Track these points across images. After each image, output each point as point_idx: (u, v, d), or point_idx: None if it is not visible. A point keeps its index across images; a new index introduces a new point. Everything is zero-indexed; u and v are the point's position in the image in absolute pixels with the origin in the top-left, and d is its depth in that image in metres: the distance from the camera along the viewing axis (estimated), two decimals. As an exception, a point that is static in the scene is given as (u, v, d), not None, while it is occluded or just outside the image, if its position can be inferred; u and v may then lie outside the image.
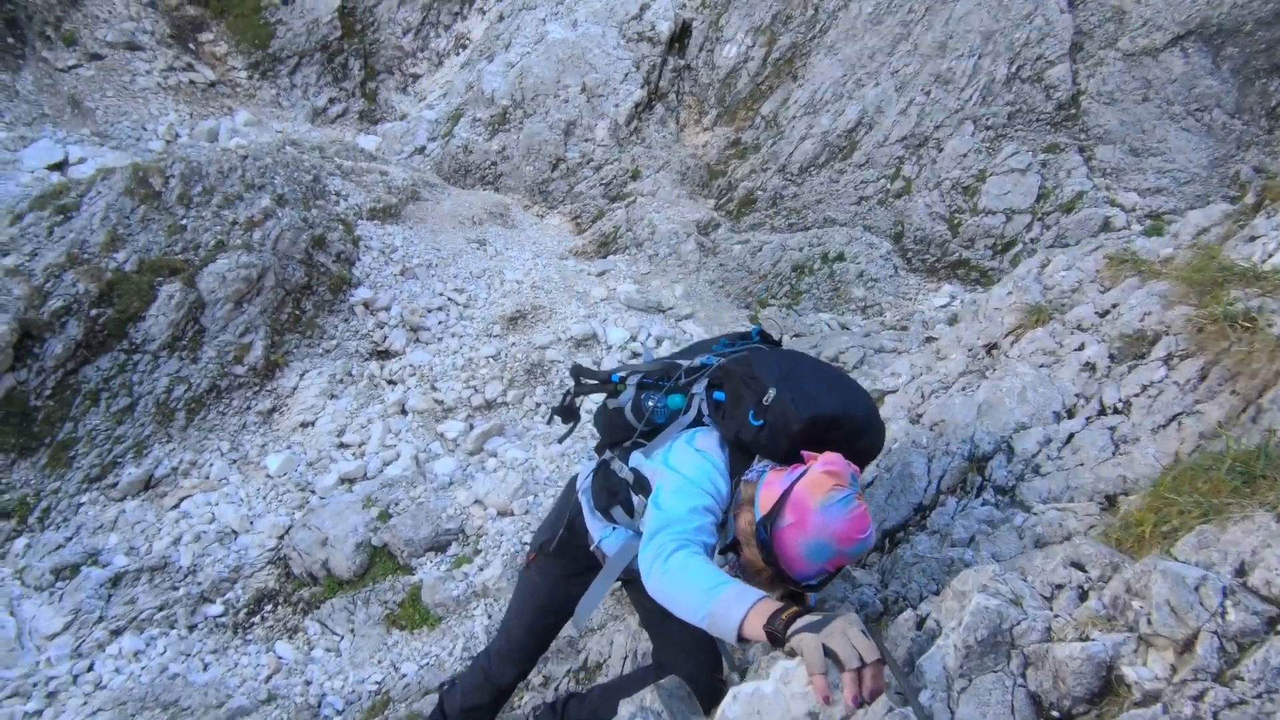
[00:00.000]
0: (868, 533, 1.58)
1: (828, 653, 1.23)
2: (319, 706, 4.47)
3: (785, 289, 10.37)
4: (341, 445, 7.26)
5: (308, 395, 7.60)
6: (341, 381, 7.83)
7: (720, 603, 1.39)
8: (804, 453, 1.71)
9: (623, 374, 2.16)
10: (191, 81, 13.44)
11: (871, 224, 11.09)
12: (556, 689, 3.33)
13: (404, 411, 7.67)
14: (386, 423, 7.43)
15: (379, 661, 4.82)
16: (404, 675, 4.58)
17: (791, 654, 1.30)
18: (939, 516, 2.59)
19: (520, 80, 12.57)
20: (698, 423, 1.95)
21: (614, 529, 2.09)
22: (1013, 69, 11.09)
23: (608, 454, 2.15)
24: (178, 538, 6.28)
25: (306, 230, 8.62)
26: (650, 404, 2.01)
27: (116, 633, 5.67)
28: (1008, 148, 10.83)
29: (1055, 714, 1.36)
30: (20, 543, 6.18)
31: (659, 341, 8.73)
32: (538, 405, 7.91)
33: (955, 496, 2.62)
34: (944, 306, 9.98)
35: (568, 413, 2.35)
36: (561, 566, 2.28)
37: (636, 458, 2.01)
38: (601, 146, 12.41)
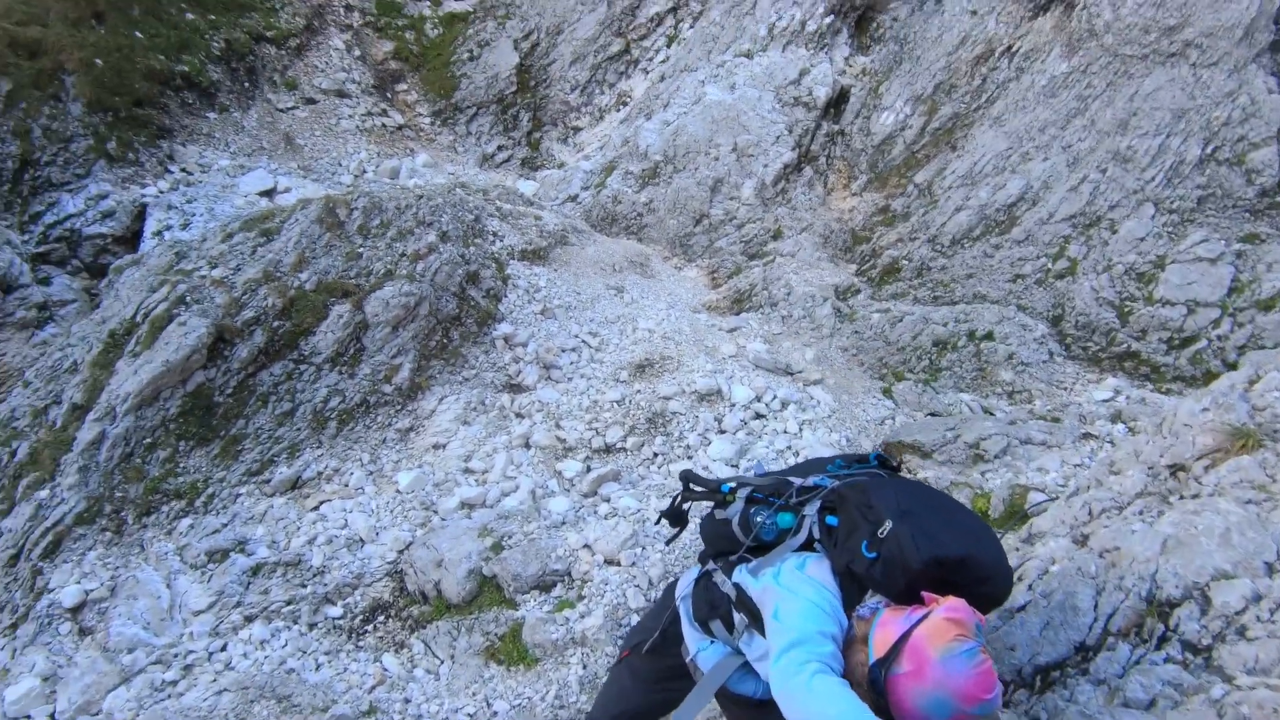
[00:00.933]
0: (994, 694, 1.45)
1: None
2: (414, 727, 4.59)
3: (924, 364, 9.83)
4: (467, 470, 7.59)
5: (443, 419, 8.05)
6: (475, 409, 8.24)
7: None
8: (925, 594, 1.60)
9: (733, 485, 2.09)
10: (383, 125, 15.03)
11: (1027, 304, 10.34)
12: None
13: (527, 445, 7.93)
14: (510, 454, 7.71)
15: (474, 694, 4.89)
16: (495, 713, 4.62)
17: None
18: (1107, 663, 2.14)
19: (675, 138, 13.01)
20: (807, 547, 1.87)
21: (711, 643, 2.03)
22: (1207, 150, 10.10)
23: (711, 565, 2.09)
24: (313, 538, 6.78)
25: (463, 266, 9.27)
26: (759, 519, 1.95)
27: (250, 619, 6.16)
28: (1195, 234, 9.80)
29: None
30: (185, 522, 6.91)
31: (784, 405, 8.53)
32: (655, 455, 7.91)
33: (1129, 643, 2.19)
34: (1107, 401, 9.06)
35: (676, 517, 2.27)
36: (653, 669, 2.22)
37: (741, 574, 1.95)
38: (746, 205, 12.51)
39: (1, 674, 5.84)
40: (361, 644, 5.81)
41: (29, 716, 5.37)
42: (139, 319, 7.77)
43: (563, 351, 8.92)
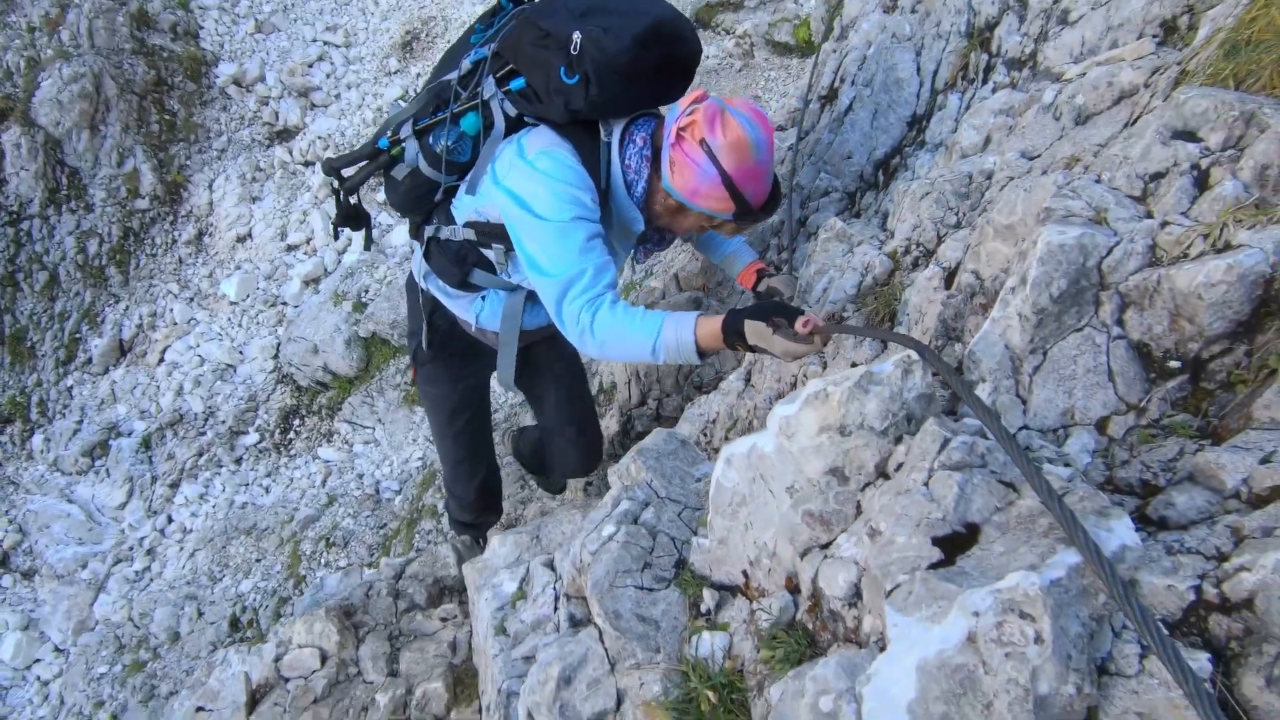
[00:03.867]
0: (761, 108, 1.54)
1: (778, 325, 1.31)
2: (377, 493, 4.79)
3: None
4: (289, 248, 6.78)
5: (227, 206, 6.91)
6: (255, 180, 7.04)
7: (666, 335, 1.43)
8: (658, 129, 1.55)
9: (389, 134, 1.73)
10: None
11: None
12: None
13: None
14: (323, 209, 6.82)
15: (414, 440, 5.03)
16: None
17: (753, 348, 1.38)
18: (940, 124, 1.92)
19: None
20: (512, 131, 1.61)
21: (483, 298, 1.83)
22: None
23: (428, 228, 1.80)
24: (179, 388, 6.26)
25: (119, 9, 6.99)
26: (443, 144, 1.64)
27: (174, 485, 5.97)
28: None
29: (1175, 364, 1.00)
30: (38, 438, 6.24)
31: None
32: (471, 137, 7.11)
33: (957, 91, 1.95)
34: None
35: (354, 218, 1.90)
36: (447, 365, 2.04)
37: (462, 202, 1.69)
38: None
39: (-20, 644, 5.77)
40: (293, 452, 5.77)
41: (38, 660, 5.45)
42: None
43: (309, 67, 7.34)
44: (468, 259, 1.75)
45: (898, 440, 0.91)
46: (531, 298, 1.79)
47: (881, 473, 0.91)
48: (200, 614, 4.58)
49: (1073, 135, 1.42)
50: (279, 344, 6.24)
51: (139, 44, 6.96)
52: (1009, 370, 1.05)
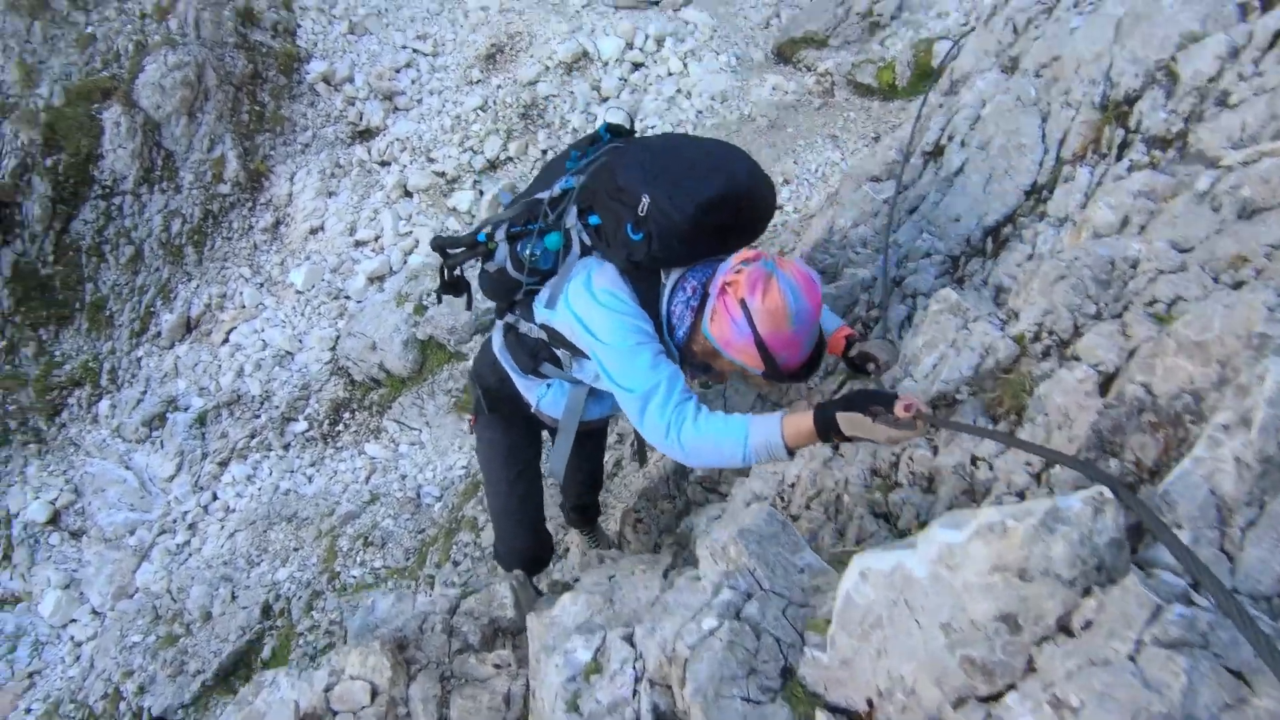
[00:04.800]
0: (816, 278, 1.53)
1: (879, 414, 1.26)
2: (418, 497, 4.80)
3: (798, -67, 8.50)
4: (358, 244, 6.94)
5: (305, 199, 7.11)
6: (333, 175, 7.24)
7: (754, 440, 1.46)
8: (715, 277, 1.60)
9: (488, 231, 1.91)
10: None
11: None
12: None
13: (408, 193, 7.14)
14: (394, 209, 6.97)
15: (459, 447, 5.04)
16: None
17: (850, 439, 1.34)
18: (1067, 198, 1.72)
19: None
20: (586, 253, 1.77)
21: (548, 385, 1.96)
22: None
23: (509, 316, 1.96)
24: (239, 370, 6.42)
25: (227, 3, 7.32)
26: (528, 252, 1.80)
27: (223, 464, 6.10)
28: None
29: None
30: (104, 404, 6.47)
31: (659, 43, 7.53)
32: (544, 152, 7.20)
33: (1087, 165, 1.78)
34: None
35: (455, 287, 2.05)
36: (506, 419, 2.17)
37: (540, 311, 1.83)
38: None
39: (26, 598, 5.96)
40: (339, 444, 5.85)
41: (74, 620, 5.59)
42: (-115, 220, 6.29)
43: (396, 72, 7.55)
44: (539, 354, 1.89)
45: (1085, 592, 0.79)
46: (594, 392, 1.90)
47: (1063, 627, 0.79)
48: (234, 597, 4.64)
49: (1235, 230, 1.28)
50: (338, 336, 6.35)
51: (241, 38, 7.26)
52: (1214, 520, 0.91)
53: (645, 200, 1.57)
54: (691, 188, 1.57)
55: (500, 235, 1.86)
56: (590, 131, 7.01)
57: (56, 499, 6.12)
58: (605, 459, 2.99)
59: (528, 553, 2.22)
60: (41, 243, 6.55)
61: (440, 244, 2.00)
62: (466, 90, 7.52)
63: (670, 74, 7.43)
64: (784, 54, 7.49)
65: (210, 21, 7.05)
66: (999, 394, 1.22)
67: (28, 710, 5.03)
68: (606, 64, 7.43)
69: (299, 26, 7.74)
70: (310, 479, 5.62)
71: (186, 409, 6.33)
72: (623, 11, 7.80)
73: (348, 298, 6.65)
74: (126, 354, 6.65)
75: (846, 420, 1.33)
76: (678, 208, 1.54)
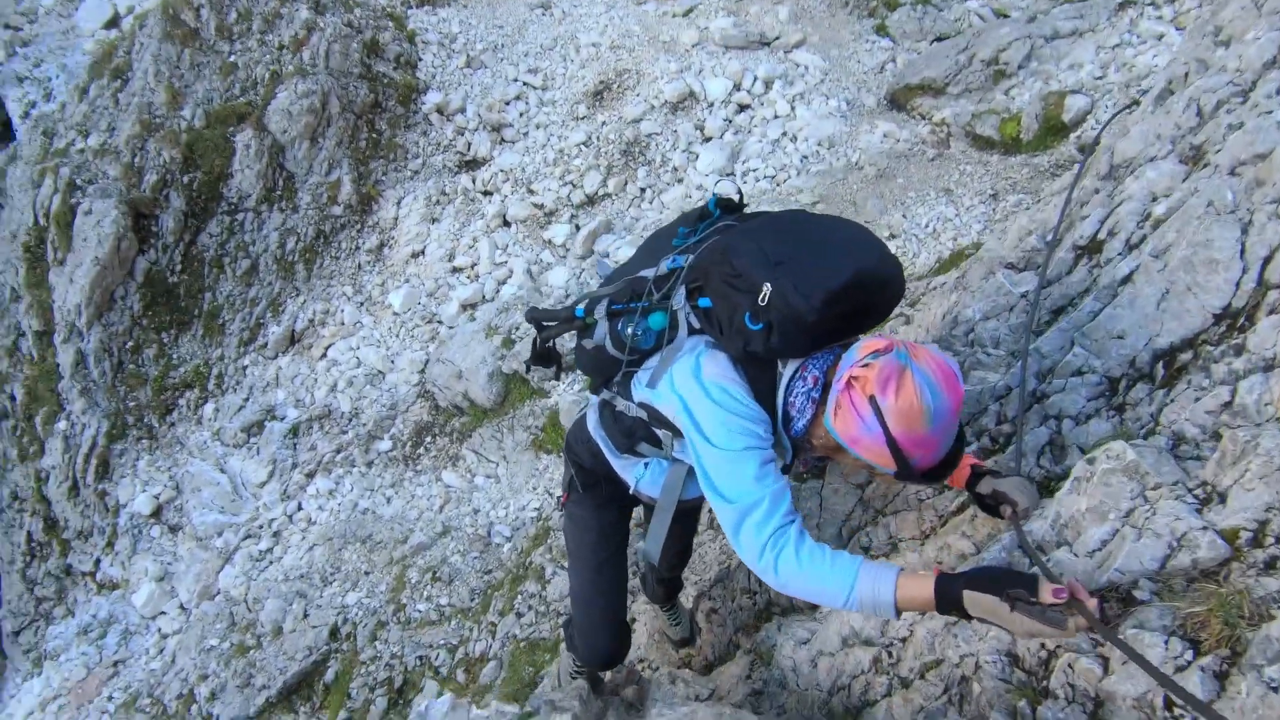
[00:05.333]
0: (955, 367, 1.38)
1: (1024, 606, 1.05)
2: (488, 535, 4.75)
3: (919, -23, 8.23)
4: (455, 270, 7.10)
5: (410, 224, 7.35)
6: (438, 203, 7.46)
7: (862, 590, 1.32)
8: (838, 365, 1.46)
9: (586, 305, 1.81)
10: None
11: None
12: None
13: (506, 223, 7.27)
14: (492, 238, 7.10)
15: (534, 488, 4.97)
16: (558, 500, 4.70)
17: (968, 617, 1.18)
18: (1275, 333, 1.32)
19: None
20: (693, 334, 1.66)
21: (645, 465, 1.84)
22: None
23: (605, 393, 1.85)
24: (333, 385, 6.64)
25: (356, 36, 7.74)
26: (629, 333, 1.70)
27: (310, 475, 6.30)
28: None
29: None
30: (209, 408, 6.83)
31: (768, 84, 7.40)
32: (642, 191, 7.18)
33: None
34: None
35: (545, 358, 1.98)
36: (595, 500, 2.05)
37: (640, 391, 1.71)
38: None
39: (123, 585, 6.30)
40: (419, 468, 5.92)
41: (163, 613, 5.85)
42: (42, 221, 6.93)
43: (506, 104, 7.74)
44: (636, 433, 1.78)
45: None
46: (692, 472, 1.74)
47: None
48: (305, 615, 4.70)
49: None
50: (427, 361, 6.48)
51: (365, 69, 7.65)
52: None
53: (767, 289, 1.44)
54: (819, 277, 1.43)
55: (600, 312, 1.77)
56: (692, 189, 6.94)
57: (160, 494, 6.48)
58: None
59: (606, 653, 2.07)
60: (172, 253, 7.04)
61: (535, 317, 1.94)
62: (572, 125, 7.62)
63: (776, 116, 7.28)
64: (898, 101, 7.21)
65: (339, 53, 7.46)
66: (1201, 612, 0.96)
67: (109, 698, 5.27)
68: (712, 105, 7.36)
69: (420, 59, 8.08)
70: (389, 500, 5.70)
71: (283, 419, 6.59)
72: (733, 52, 7.73)
73: (440, 322, 6.79)
74: (234, 361, 7.01)
75: (974, 602, 1.15)
76: (804, 296, 1.41)
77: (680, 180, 7.14)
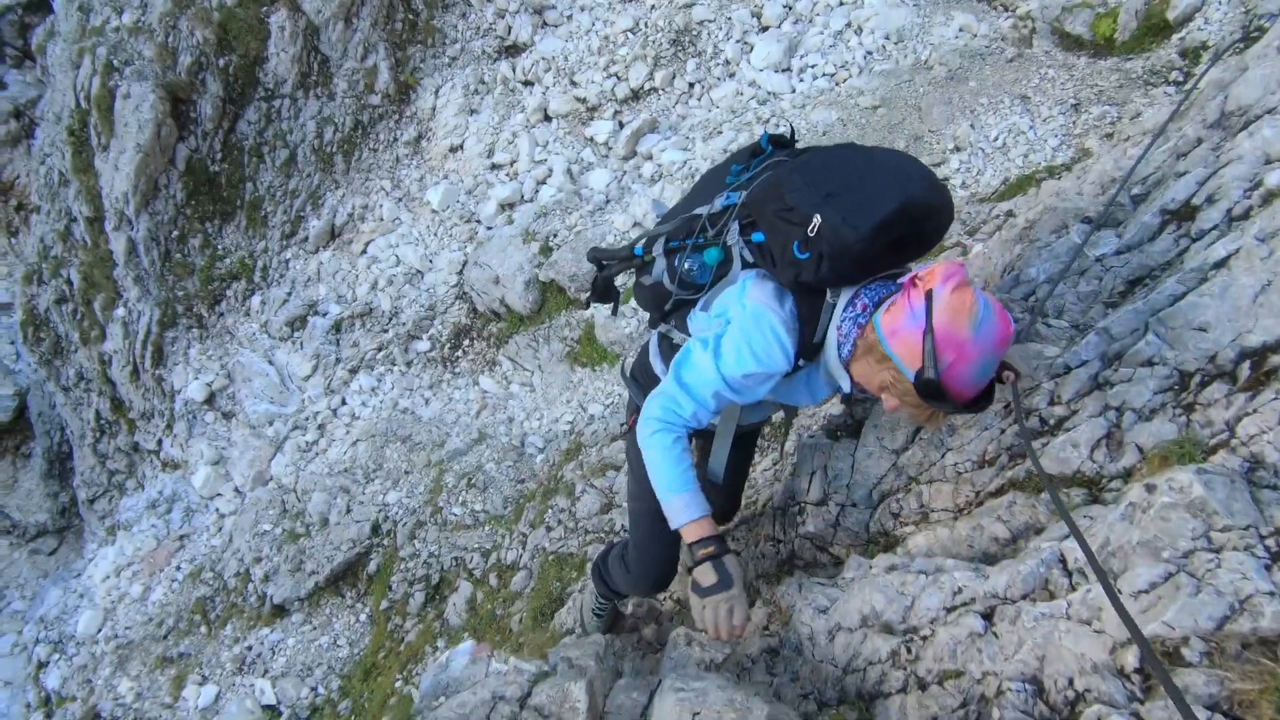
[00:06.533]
0: (1013, 321, 1.43)
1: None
2: (522, 445, 4.86)
3: None
4: (494, 166, 6.88)
5: (448, 115, 7.08)
6: (476, 92, 7.14)
7: (670, 505, 1.64)
8: (897, 278, 1.53)
9: (645, 244, 1.90)
10: None
11: None
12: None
13: (547, 117, 6.95)
14: (532, 134, 6.82)
15: (568, 401, 5.01)
16: (591, 415, 4.74)
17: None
18: None
19: None
20: (747, 268, 1.71)
21: None
22: None
23: (663, 326, 1.92)
24: (374, 282, 6.67)
25: (390, -96, 7.16)
26: (686, 267, 1.77)
27: (353, 371, 6.47)
28: None
29: None
30: (255, 300, 6.96)
31: (836, -34, 6.68)
32: (691, 86, 6.73)
33: None
34: None
35: (604, 294, 2.07)
36: None
37: (697, 319, 1.79)
38: None
39: (183, 465, 6.72)
40: (457, 370, 6.01)
41: (219, 494, 6.25)
42: (83, 104, 6.87)
43: (549, -16, 7.20)
44: None
45: None
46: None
47: None
48: (349, 510, 4.95)
49: None
50: (465, 262, 6.42)
51: (400, -60, 7.13)
52: None
53: (816, 220, 1.49)
54: (866, 206, 1.47)
55: (658, 250, 1.85)
56: (744, 86, 6.46)
57: (212, 382, 6.75)
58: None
59: (661, 578, 2.13)
60: (212, 140, 6.95)
61: (596, 256, 2.02)
62: (618, 9, 7.09)
63: (842, 3, 6.63)
64: (985, -15, 6.47)
65: (372, -77, 6.95)
66: (1251, 690, 0.86)
67: (178, 568, 5.74)
68: (772, -15, 6.73)
69: (457, -70, 7.49)
70: (427, 401, 5.84)
71: (325, 314, 6.69)
72: (798, -73, 6.96)
73: (478, 222, 6.67)
74: (277, 254, 7.06)
75: (694, 579, 1.56)
76: (852, 228, 1.45)
77: (732, 75, 6.66)
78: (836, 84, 6.19)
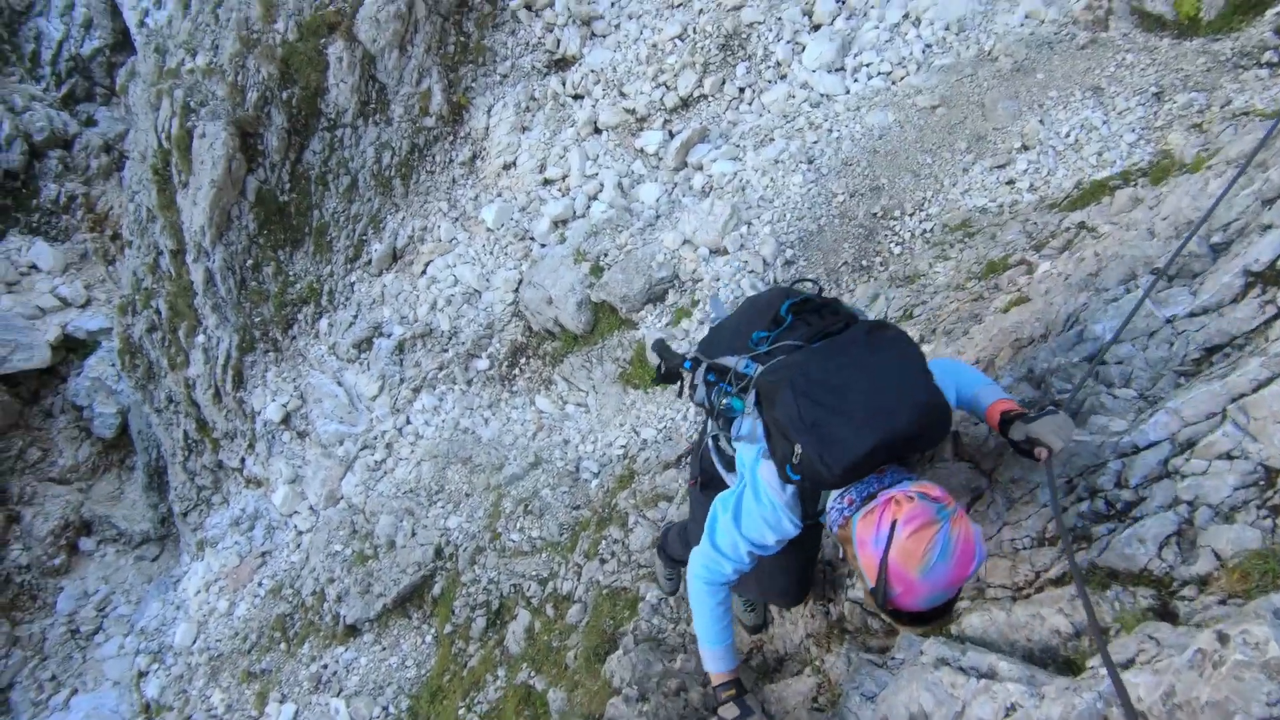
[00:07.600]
0: (979, 558, 1.46)
1: None
2: (577, 470, 4.88)
3: None
4: (546, 182, 6.93)
5: (500, 133, 7.17)
6: (528, 109, 7.20)
7: (706, 653, 1.92)
8: (878, 492, 1.57)
9: (693, 361, 2.12)
10: None
11: None
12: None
13: (597, 130, 6.94)
14: (582, 148, 6.83)
15: (621, 424, 5.01)
16: (644, 440, 4.72)
17: None
18: None
19: None
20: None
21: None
22: None
23: (712, 424, 2.08)
24: (434, 303, 6.84)
25: (438, -72, 7.28)
26: (724, 403, 1.95)
27: (416, 390, 6.65)
28: None
29: None
30: (323, 323, 7.25)
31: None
32: (741, 91, 6.59)
33: None
34: None
35: (669, 378, 2.26)
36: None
37: (736, 436, 1.93)
38: None
39: (265, 483, 7.07)
40: (514, 389, 6.10)
41: (296, 512, 6.55)
42: (165, 144, 7.28)
43: (595, -4, 7.17)
44: (734, 465, 2.00)
45: None
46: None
47: None
48: (414, 534, 5.10)
49: None
50: (520, 280, 6.50)
51: (449, -36, 7.23)
52: None
53: (798, 449, 1.61)
54: (844, 444, 1.56)
55: (699, 377, 2.05)
56: (795, 89, 6.26)
57: (287, 403, 7.07)
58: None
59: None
60: (279, 171, 7.26)
61: (660, 350, 2.26)
62: (666, 15, 7.00)
63: (898, -4, 6.35)
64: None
65: (422, -50, 7.07)
66: None
67: (260, 584, 6.06)
68: (823, -15, 6.50)
69: (504, -52, 7.54)
70: (487, 421, 5.95)
71: (389, 335, 6.91)
72: (850, -82, 6.69)
73: (532, 239, 6.74)
74: (342, 278, 7.33)
75: (720, 715, 1.75)
76: (827, 467, 1.56)
77: (783, 77, 6.48)
78: (893, 83, 5.94)
